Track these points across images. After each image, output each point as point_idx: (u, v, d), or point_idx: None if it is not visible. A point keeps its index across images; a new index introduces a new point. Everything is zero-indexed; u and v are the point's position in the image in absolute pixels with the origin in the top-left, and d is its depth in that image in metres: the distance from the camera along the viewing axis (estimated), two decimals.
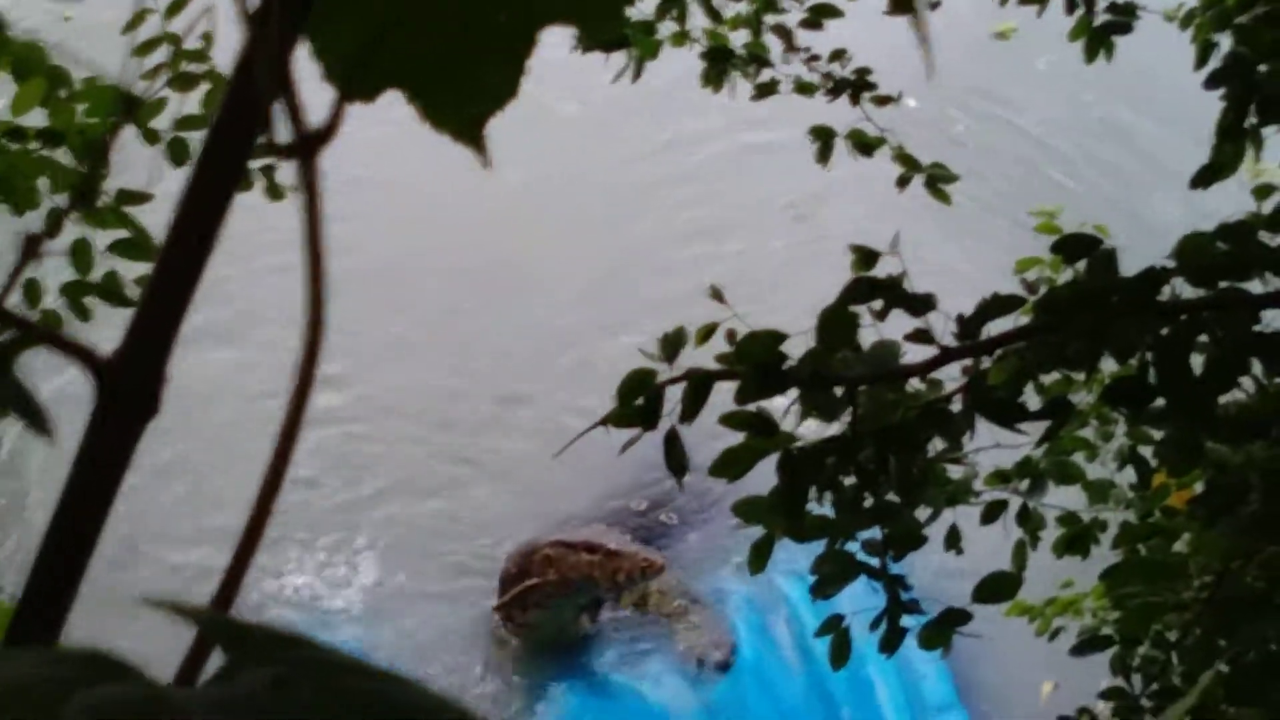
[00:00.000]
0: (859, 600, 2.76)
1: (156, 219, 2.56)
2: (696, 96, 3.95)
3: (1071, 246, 2.27)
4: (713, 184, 9.28)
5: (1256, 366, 2.22)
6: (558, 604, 6.56)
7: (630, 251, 8.71)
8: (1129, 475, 3.21)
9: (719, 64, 3.52)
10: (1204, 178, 2.56)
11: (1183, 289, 2.22)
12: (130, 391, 0.63)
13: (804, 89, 3.55)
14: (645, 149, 9.45)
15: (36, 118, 2.58)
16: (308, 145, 0.60)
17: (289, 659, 0.45)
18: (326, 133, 0.60)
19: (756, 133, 8.75)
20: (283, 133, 0.61)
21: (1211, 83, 2.54)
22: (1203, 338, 2.21)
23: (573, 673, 6.65)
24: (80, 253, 2.56)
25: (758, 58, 3.54)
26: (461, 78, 0.73)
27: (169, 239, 0.63)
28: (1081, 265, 2.47)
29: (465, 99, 0.74)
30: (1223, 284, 2.16)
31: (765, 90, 3.56)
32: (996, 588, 2.71)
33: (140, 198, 2.40)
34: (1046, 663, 6.19)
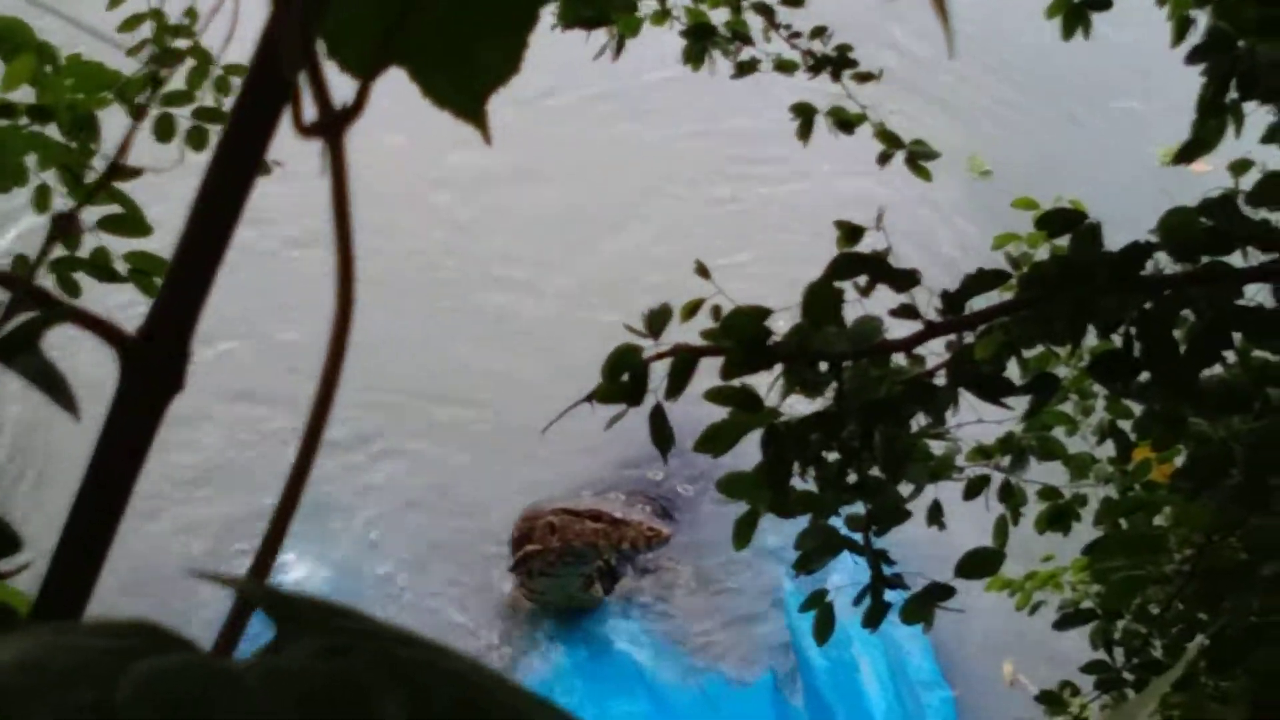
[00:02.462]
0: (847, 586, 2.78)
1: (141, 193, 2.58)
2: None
3: (1055, 221, 2.28)
4: None
5: (1235, 340, 2.24)
6: (561, 571, 6.58)
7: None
8: (1108, 450, 3.23)
9: (700, 42, 3.52)
10: (1187, 153, 2.57)
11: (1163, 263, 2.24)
12: (154, 368, 0.64)
13: (784, 66, 3.55)
14: None
15: (23, 94, 2.58)
16: (335, 123, 0.60)
17: (340, 629, 0.46)
18: (354, 110, 0.60)
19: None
20: (307, 111, 0.61)
21: (1192, 58, 2.55)
22: (1186, 312, 2.23)
23: (577, 636, 6.67)
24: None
25: (739, 35, 3.54)
26: (463, 54, 0.73)
27: (192, 216, 0.63)
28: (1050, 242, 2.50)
29: (467, 75, 0.74)
30: (1206, 258, 2.17)
31: (745, 69, 3.56)
32: (979, 563, 2.72)
33: (131, 173, 2.39)
34: (1004, 642, 6.27)
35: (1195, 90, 2.58)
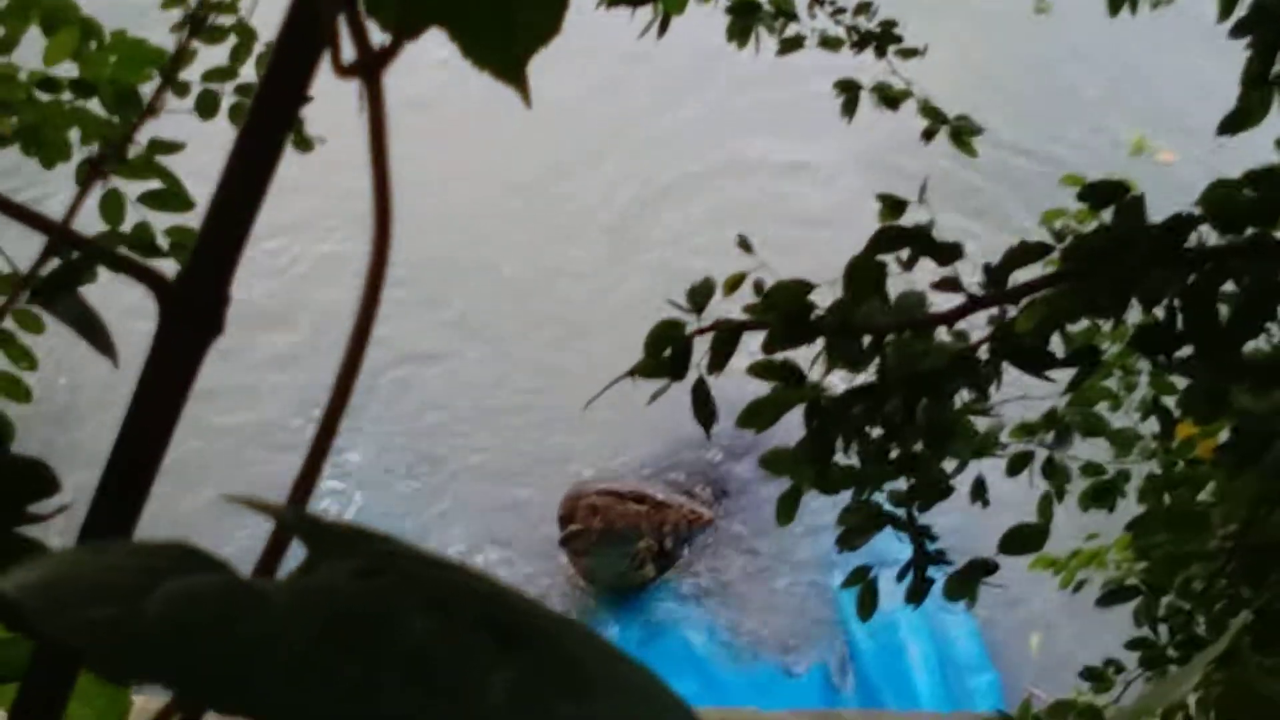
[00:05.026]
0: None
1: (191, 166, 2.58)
2: None
3: (1098, 194, 2.26)
4: None
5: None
6: (604, 551, 6.57)
7: None
8: (1151, 426, 3.22)
9: (744, 18, 3.50)
10: (1231, 125, 2.55)
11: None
12: (193, 311, 0.64)
13: (829, 43, 3.54)
14: None
15: (67, 70, 2.58)
16: (372, 64, 0.60)
17: (370, 552, 0.46)
18: (391, 50, 0.61)
19: None
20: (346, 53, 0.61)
21: (1238, 31, 2.53)
22: (1229, 285, 2.21)
23: (633, 614, 6.67)
24: (111, 204, 2.56)
25: (783, 11, 3.52)
26: (503, 13, 0.73)
27: (231, 160, 0.63)
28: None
29: (507, 36, 0.74)
30: (1250, 230, 2.16)
31: (790, 45, 3.54)
32: (1023, 539, 2.71)
33: (173, 147, 2.39)
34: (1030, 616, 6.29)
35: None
